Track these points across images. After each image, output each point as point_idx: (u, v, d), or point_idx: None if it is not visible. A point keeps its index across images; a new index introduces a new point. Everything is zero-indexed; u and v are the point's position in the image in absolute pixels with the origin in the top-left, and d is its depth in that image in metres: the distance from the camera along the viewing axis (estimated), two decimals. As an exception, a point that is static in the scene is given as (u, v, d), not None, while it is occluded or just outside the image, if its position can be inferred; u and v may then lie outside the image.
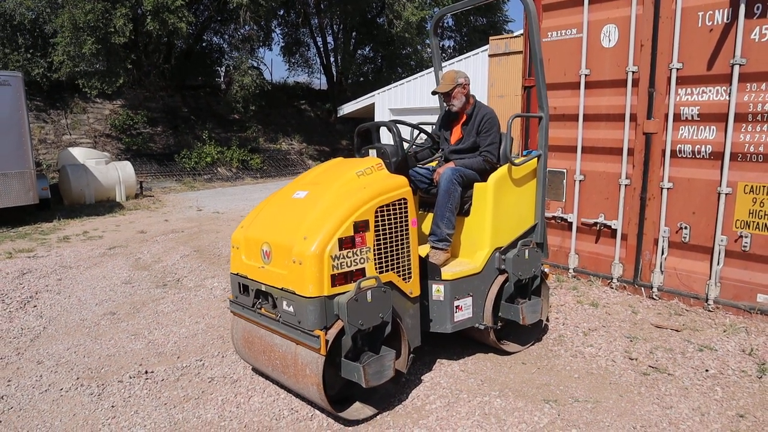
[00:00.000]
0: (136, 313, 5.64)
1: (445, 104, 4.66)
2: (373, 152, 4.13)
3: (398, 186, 3.65)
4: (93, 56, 15.77)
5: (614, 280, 5.95)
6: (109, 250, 8.33)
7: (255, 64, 22.13)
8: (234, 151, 19.77)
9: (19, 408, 3.79)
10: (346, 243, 3.34)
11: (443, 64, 13.65)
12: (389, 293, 3.47)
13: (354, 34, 25.14)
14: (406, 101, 16.27)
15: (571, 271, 6.36)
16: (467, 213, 4.38)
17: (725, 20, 4.99)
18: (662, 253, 5.56)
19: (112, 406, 3.78)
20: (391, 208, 3.56)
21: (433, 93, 4.71)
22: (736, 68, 4.93)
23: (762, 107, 4.85)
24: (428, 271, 3.97)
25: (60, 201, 12.91)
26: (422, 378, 4.10)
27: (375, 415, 3.59)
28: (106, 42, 15.67)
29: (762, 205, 4.91)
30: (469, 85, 4.59)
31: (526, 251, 4.34)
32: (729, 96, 5.01)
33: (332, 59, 25.26)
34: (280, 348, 3.57)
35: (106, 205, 12.83)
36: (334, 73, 25.21)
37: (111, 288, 6.49)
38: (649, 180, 5.61)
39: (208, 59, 22.86)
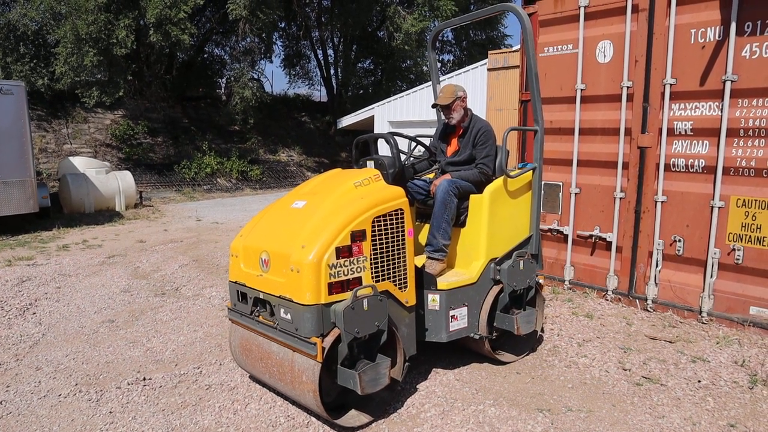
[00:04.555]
0: (134, 321, 5.68)
1: (444, 117, 4.74)
2: (371, 164, 4.20)
3: (395, 197, 3.72)
4: (95, 67, 15.88)
5: (609, 292, 6.00)
6: (108, 259, 8.38)
7: (255, 76, 22.30)
8: (233, 162, 19.87)
9: (18, 413, 3.83)
10: (343, 252, 3.40)
11: (443, 78, 13.80)
12: (385, 302, 3.53)
13: (354, 46, 25.35)
14: (405, 114, 16.39)
15: (566, 283, 6.41)
16: (463, 224, 4.44)
17: (717, 38, 5.10)
18: (656, 266, 5.62)
19: (110, 412, 3.81)
20: (388, 218, 3.62)
21: (433, 106, 4.80)
22: (728, 84, 5.02)
23: (753, 122, 4.94)
24: (424, 280, 4.03)
25: (60, 210, 12.95)
26: (417, 386, 4.14)
27: (370, 423, 3.63)
28: (108, 53, 15.80)
29: (754, 218, 4.98)
30: (466, 98, 4.68)
31: (521, 262, 4.40)
32: (721, 111, 5.10)
33: (332, 72, 25.46)
34: (277, 355, 3.62)
35: (105, 215, 12.88)
36: (334, 85, 25.40)
37: (110, 296, 6.53)
38: (643, 193, 5.69)
39: (209, 71, 23.03)
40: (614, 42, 5.84)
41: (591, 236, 6.16)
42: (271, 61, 30.51)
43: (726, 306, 5.19)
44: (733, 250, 5.10)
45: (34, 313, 5.91)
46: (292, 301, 3.39)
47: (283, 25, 23.60)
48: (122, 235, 10.53)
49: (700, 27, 5.20)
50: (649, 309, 5.66)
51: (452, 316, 4.10)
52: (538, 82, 4.55)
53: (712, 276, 5.24)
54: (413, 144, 4.85)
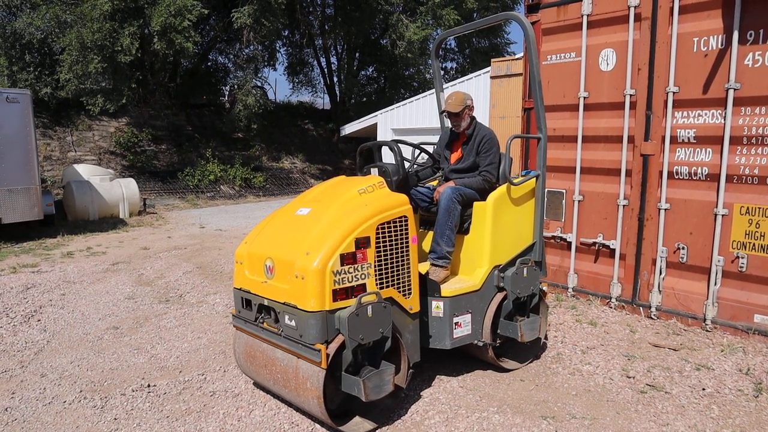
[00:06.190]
0: (138, 328, 5.70)
1: (451, 124, 4.75)
2: (374, 171, 4.22)
3: (399, 204, 3.74)
4: (99, 74, 15.97)
5: (613, 300, 6.00)
6: (112, 266, 8.40)
7: (259, 84, 22.39)
8: (237, 169, 19.92)
9: (23, 420, 3.84)
10: (347, 259, 3.41)
11: (445, 86, 13.84)
12: (389, 309, 3.54)
13: (357, 54, 25.44)
14: (408, 121, 16.43)
15: (570, 290, 6.41)
16: (467, 231, 4.46)
17: (720, 46, 5.12)
18: (660, 273, 5.62)
19: (115, 419, 3.82)
20: (392, 225, 3.64)
21: (442, 112, 4.81)
22: (731, 92, 5.04)
23: (756, 130, 4.95)
24: (428, 287, 4.04)
25: (64, 217, 12.97)
26: (421, 393, 4.14)
27: (374, 430, 3.64)
28: (113, 61, 15.90)
29: (758, 226, 4.98)
30: (473, 106, 4.70)
31: (525, 269, 4.41)
32: (724, 119, 5.12)
33: (335, 79, 25.56)
34: (281, 362, 3.62)
35: (109, 222, 12.91)
36: (338, 92, 25.49)
37: (114, 303, 6.55)
38: (646, 201, 5.69)
39: (212, 78, 23.11)
40: (617, 50, 5.86)
41: (594, 243, 6.17)
42: (275, 69, 30.73)
43: (730, 314, 5.18)
44: (737, 257, 5.10)
45: (39, 320, 5.93)
46: (297, 308, 3.40)
47: (286, 33, 23.72)
48: (126, 242, 10.56)
49: (702, 35, 5.22)
50: (652, 316, 5.66)
51: (456, 323, 4.11)
52: (541, 90, 4.58)
53: (716, 284, 5.23)
54: (417, 151, 4.87)
